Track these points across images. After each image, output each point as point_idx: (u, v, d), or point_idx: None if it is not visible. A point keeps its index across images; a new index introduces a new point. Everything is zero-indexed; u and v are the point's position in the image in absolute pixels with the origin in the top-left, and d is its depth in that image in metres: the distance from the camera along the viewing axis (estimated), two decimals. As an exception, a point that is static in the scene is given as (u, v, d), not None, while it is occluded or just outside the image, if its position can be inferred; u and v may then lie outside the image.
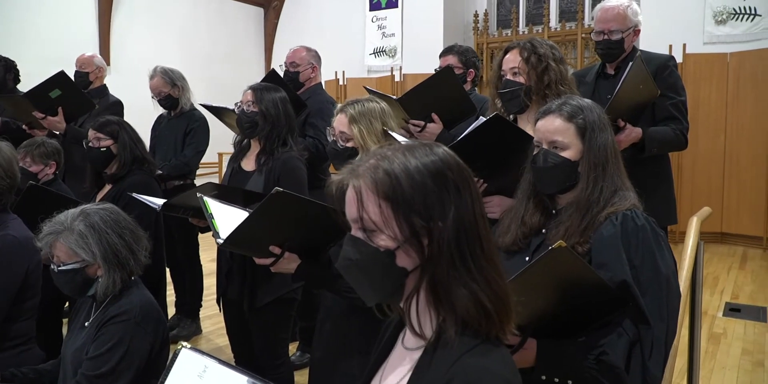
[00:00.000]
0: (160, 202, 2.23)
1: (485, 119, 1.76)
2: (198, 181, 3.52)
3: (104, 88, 3.92)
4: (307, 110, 3.14)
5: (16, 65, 3.87)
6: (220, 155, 8.13)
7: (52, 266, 1.70)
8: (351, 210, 0.88)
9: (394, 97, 2.48)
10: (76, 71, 3.81)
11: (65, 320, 3.07)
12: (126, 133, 2.57)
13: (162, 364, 1.74)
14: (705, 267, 2.54)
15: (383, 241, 0.86)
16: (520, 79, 1.95)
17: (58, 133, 3.46)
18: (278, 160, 2.28)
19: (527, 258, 1.48)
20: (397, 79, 8.54)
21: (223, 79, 8.75)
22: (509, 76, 1.98)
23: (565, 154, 1.46)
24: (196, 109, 3.75)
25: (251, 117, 2.30)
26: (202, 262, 3.92)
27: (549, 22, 7.99)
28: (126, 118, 2.98)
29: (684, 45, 6.48)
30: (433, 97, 2.41)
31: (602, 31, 2.41)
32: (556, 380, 1.29)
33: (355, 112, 1.85)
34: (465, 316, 0.84)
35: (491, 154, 1.73)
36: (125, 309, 1.67)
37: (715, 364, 3.32)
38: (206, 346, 3.64)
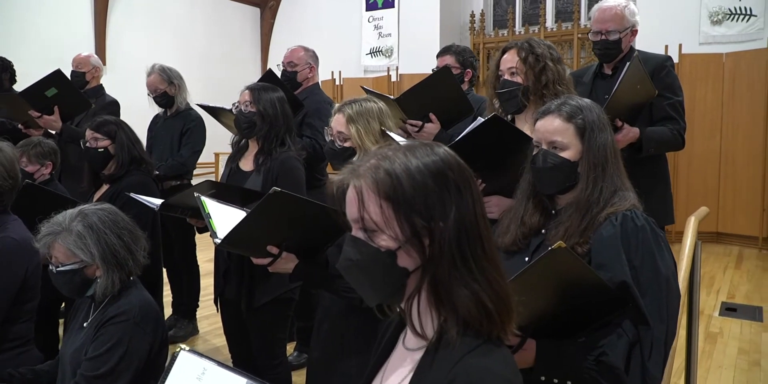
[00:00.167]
0: (158, 202, 2.22)
1: (483, 120, 1.76)
2: (195, 182, 3.52)
3: (101, 87, 3.91)
4: (305, 110, 3.14)
5: (12, 65, 3.86)
6: (217, 155, 8.11)
7: (50, 267, 1.70)
8: (352, 210, 0.88)
9: (392, 97, 2.48)
10: (72, 71, 3.80)
11: (62, 321, 3.06)
12: (124, 133, 2.56)
13: (161, 364, 1.74)
14: (701, 267, 2.54)
15: (384, 241, 0.86)
16: (518, 79, 1.95)
17: (54, 132, 3.44)
18: (276, 160, 2.27)
19: (527, 258, 1.48)
20: (393, 79, 8.54)
21: (219, 78, 8.74)
22: (507, 76, 1.98)
23: (565, 154, 1.46)
24: (192, 109, 3.74)
25: (249, 117, 2.30)
26: (199, 263, 3.91)
27: (545, 22, 8.00)
28: (122, 118, 2.97)
29: (680, 45, 6.49)
30: (431, 97, 2.41)
31: (600, 31, 2.41)
32: (556, 381, 1.29)
33: (353, 111, 1.85)
34: (466, 317, 0.84)
35: (489, 154, 1.73)
36: (124, 309, 1.67)
37: (711, 363, 3.33)
38: (203, 346, 3.63)
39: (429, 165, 0.87)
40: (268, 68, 3.21)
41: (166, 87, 3.63)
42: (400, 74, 8.48)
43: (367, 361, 1.66)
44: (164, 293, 3.04)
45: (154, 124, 3.86)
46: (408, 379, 0.87)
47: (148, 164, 2.65)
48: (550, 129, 1.48)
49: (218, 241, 1.68)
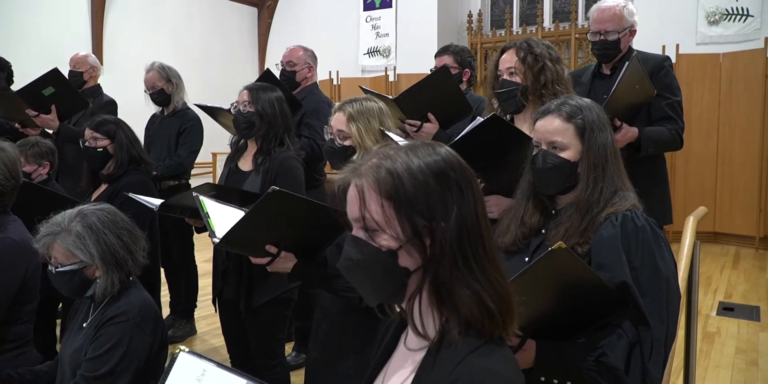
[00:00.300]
0: (157, 202, 2.22)
1: (483, 119, 1.76)
2: (192, 181, 3.51)
3: (98, 87, 3.90)
4: (303, 110, 3.14)
5: (10, 65, 3.84)
6: (214, 155, 8.10)
7: (50, 267, 1.69)
8: (353, 209, 0.87)
9: (390, 96, 2.48)
10: (70, 71, 3.79)
11: (58, 321, 3.05)
12: (123, 133, 2.55)
13: (160, 365, 1.74)
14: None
15: (385, 240, 0.85)
16: (517, 79, 1.96)
17: (51, 131, 3.43)
18: (275, 160, 2.27)
19: (527, 258, 1.48)
20: (391, 79, 8.54)
21: (216, 78, 8.73)
22: (506, 76, 1.99)
23: (565, 154, 1.45)
24: (189, 109, 3.73)
25: (248, 117, 2.30)
26: (197, 263, 3.90)
27: (543, 22, 8.01)
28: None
29: (677, 45, 6.50)
30: (429, 97, 2.41)
31: (598, 31, 2.41)
32: (555, 381, 1.29)
33: (353, 110, 1.85)
34: (468, 317, 0.84)
35: (488, 154, 1.73)
36: (124, 310, 1.66)
37: (709, 362, 3.34)
38: (201, 346, 3.63)
39: (431, 164, 0.86)
40: (266, 68, 3.20)
41: (163, 84, 3.63)
42: (398, 74, 8.48)
43: (365, 360, 1.66)
44: (162, 293, 3.03)
45: (151, 124, 3.85)
46: (410, 380, 0.86)
47: (147, 164, 2.64)
48: (549, 129, 1.48)
49: (217, 240, 1.68)
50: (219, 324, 2.54)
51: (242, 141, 2.40)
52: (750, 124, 6.32)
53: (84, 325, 1.73)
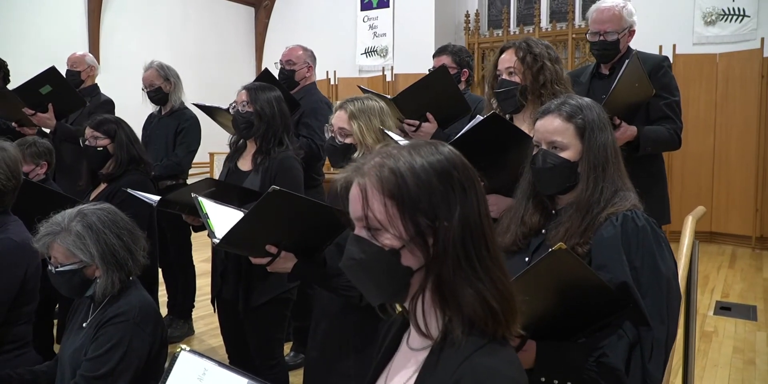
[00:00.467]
0: (156, 197, 2.22)
1: (482, 118, 1.76)
2: (189, 182, 3.50)
3: (95, 87, 3.89)
4: (301, 110, 3.13)
5: (6, 65, 3.82)
6: (212, 155, 8.09)
7: (50, 267, 1.68)
8: (355, 208, 0.87)
9: (389, 96, 2.48)
10: (67, 70, 3.77)
11: (55, 322, 3.04)
12: (123, 133, 2.54)
13: (160, 365, 1.73)
14: (696, 266, 2.56)
15: (388, 240, 0.85)
16: (516, 79, 1.96)
17: (48, 130, 3.41)
18: (275, 160, 2.27)
19: (527, 258, 1.48)
20: (388, 79, 8.54)
21: (213, 78, 8.72)
22: (505, 76, 1.99)
23: (565, 154, 1.45)
24: (187, 108, 3.72)
25: (247, 117, 2.29)
26: (194, 263, 3.89)
27: (540, 22, 8.02)
28: (115, 118, 2.95)
29: (674, 45, 6.52)
30: (428, 97, 2.41)
31: (598, 32, 2.41)
32: (556, 382, 1.28)
33: (355, 108, 1.85)
34: (472, 316, 0.84)
35: (488, 152, 1.73)
36: (124, 310, 1.65)
37: (707, 362, 3.34)
38: (199, 346, 3.62)
39: (434, 164, 0.86)
40: (264, 68, 3.20)
41: (161, 83, 3.62)
42: (395, 74, 8.48)
43: (366, 360, 1.67)
44: (159, 293, 3.03)
45: (149, 123, 3.84)
46: (413, 380, 0.86)
47: (146, 164, 2.64)
48: (550, 129, 1.48)
49: (217, 241, 1.67)
50: (217, 324, 2.53)
51: (241, 141, 2.40)
52: (746, 124, 6.34)
53: (84, 325, 1.72)
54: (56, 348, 2.79)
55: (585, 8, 7.90)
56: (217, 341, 3.42)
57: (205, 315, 3.97)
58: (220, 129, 3.22)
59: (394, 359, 0.97)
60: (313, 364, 1.90)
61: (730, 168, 6.47)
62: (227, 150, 2.50)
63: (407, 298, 0.89)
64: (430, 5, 8.34)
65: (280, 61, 3.35)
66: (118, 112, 3.68)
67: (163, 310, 3.71)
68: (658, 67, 2.42)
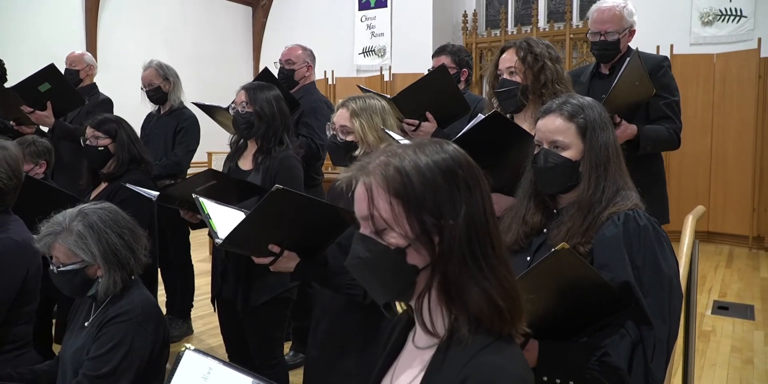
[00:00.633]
0: (155, 193, 2.21)
1: (484, 116, 1.76)
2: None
3: (94, 86, 3.88)
4: (301, 109, 3.13)
5: (3, 63, 3.81)
6: (210, 155, 8.07)
7: (51, 267, 1.68)
8: (361, 207, 0.87)
9: (388, 96, 2.48)
10: (66, 69, 3.76)
11: (53, 321, 3.04)
12: (124, 132, 2.54)
13: (162, 364, 1.73)
14: (695, 265, 2.57)
15: (393, 238, 0.85)
16: (517, 79, 1.96)
17: (46, 128, 3.40)
18: (276, 159, 2.27)
19: (528, 258, 1.48)
20: (386, 78, 8.54)
21: (210, 77, 8.70)
22: (506, 76, 1.99)
23: (566, 153, 1.45)
24: (186, 108, 3.72)
25: (247, 118, 2.29)
26: (192, 262, 3.89)
27: (537, 22, 8.03)
28: (114, 118, 2.94)
29: (671, 46, 6.53)
30: (428, 97, 2.41)
31: (599, 32, 2.41)
32: (558, 381, 1.29)
33: (357, 106, 1.85)
34: (478, 314, 0.84)
35: (489, 151, 1.73)
36: (126, 309, 1.65)
37: (705, 361, 3.35)
38: (198, 346, 3.57)
39: (439, 162, 0.86)
40: (264, 67, 3.19)
41: (160, 82, 3.62)
42: (393, 74, 8.48)
43: (369, 358, 1.67)
44: (158, 293, 3.02)
45: (147, 123, 3.83)
46: (419, 378, 0.86)
47: (147, 164, 2.63)
48: (551, 128, 1.48)
49: (219, 241, 1.67)
50: (215, 324, 2.53)
51: (242, 140, 2.39)
52: (743, 125, 6.36)
53: (86, 324, 1.72)
54: (55, 348, 2.78)
55: (582, 8, 7.92)
56: (216, 341, 3.42)
57: (204, 314, 3.97)
58: (218, 129, 3.21)
59: (400, 358, 0.97)
60: (314, 363, 1.90)
61: (727, 168, 6.49)
62: (225, 149, 2.49)
63: (413, 296, 0.89)
64: (427, 5, 8.34)
65: (280, 60, 3.35)
66: (116, 112, 3.68)
67: (162, 310, 3.71)
68: (658, 67, 2.43)
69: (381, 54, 8.87)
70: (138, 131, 3.70)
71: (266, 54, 9.97)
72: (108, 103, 3.82)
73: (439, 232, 0.85)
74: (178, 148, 3.62)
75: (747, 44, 6.45)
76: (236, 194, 2.20)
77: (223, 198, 2.09)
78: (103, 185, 2.58)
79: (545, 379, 1.29)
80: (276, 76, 3.18)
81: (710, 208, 6.48)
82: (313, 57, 3.38)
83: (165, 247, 3.58)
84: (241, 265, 2.25)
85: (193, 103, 3.22)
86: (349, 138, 1.85)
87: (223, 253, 2.31)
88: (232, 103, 2.39)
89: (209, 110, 3.08)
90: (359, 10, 9.01)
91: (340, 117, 1.87)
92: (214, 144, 5.48)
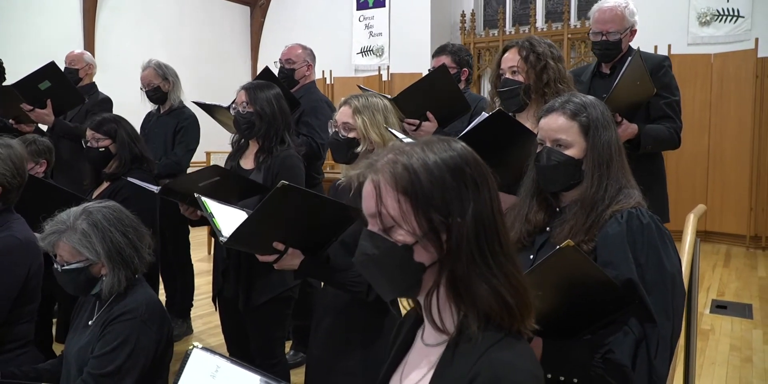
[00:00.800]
0: (155, 188, 2.21)
1: (488, 114, 1.76)
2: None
3: (93, 85, 3.88)
4: (301, 108, 3.13)
5: (1, 63, 3.80)
6: (208, 154, 8.06)
7: (55, 265, 1.67)
8: (369, 204, 0.87)
9: (389, 96, 2.48)
10: (65, 68, 3.75)
11: (54, 320, 3.03)
12: (124, 131, 2.53)
13: (166, 363, 1.73)
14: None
15: (401, 236, 0.86)
16: (519, 78, 1.97)
17: (45, 126, 3.40)
18: (277, 158, 2.27)
19: (531, 256, 1.49)
20: (384, 78, 8.55)
21: (208, 77, 8.69)
22: (508, 75, 1.99)
23: (569, 152, 1.46)
24: (186, 107, 3.71)
25: (248, 118, 2.29)
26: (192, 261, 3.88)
27: (535, 22, 8.05)
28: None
29: (669, 46, 6.55)
30: (428, 96, 2.42)
31: (600, 31, 2.42)
32: (562, 378, 1.29)
33: (359, 103, 1.86)
34: (487, 311, 0.84)
35: (492, 149, 1.73)
36: (131, 307, 1.65)
37: (704, 360, 3.37)
38: (197, 346, 3.61)
39: (447, 160, 0.87)
40: (265, 66, 3.19)
41: (159, 82, 3.61)
42: (391, 74, 8.49)
43: (373, 356, 1.67)
44: (158, 293, 3.02)
45: (147, 122, 3.83)
46: (429, 375, 0.87)
47: (149, 163, 2.63)
48: (554, 127, 1.48)
49: (224, 239, 1.67)
50: (215, 323, 2.53)
51: (243, 140, 2.40)
52: (741, 124, 6.38)
53: (89, 323, 1.71)
54: (56, 346, 2.78)
55: (580, 8, 7.94)
56: (216, 340, 3.42)
57: (203, 314, 3.97)
58: (217, 129, 3.21)
59: (409, 356, 0.97)
60: (316, 362, 1.89)
61: (724, 167, 6.51)
62: (224, 149, 2.49)
63: (420, 293, 0.89)
64: (425, 5, 8.34)
65: (280, 60, 3.35)
66: (116, 111, 3.67)
67: (163, 309, 3.70)
68: (658, 67, 2.44)
69: (379, 54, 8.87)
70: (138, 131, 3.71)
71: (264, 53, 9.96)
72: (107, 102, 3.82)
73: (446, 229, 0.85)
74: (178, 147, 3.61)
75: (744, 44, 6.47)
76: (238, 192, 2.20)
77: (224, 195, 2.09)
78: (105, 184, 2.58)
79: (549, 376, 1.29)
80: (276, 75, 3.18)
81: (708, 207, 6.48)
82: (313, 56, 3.38)
83: (164, 246, 3.58)
84: (243, 264, 2.25)
85: (193, 102, 3.22)
86: (351, 135, 1.85)
87: (224, 252, 2.31)
88: (233, 103, 2.39)
89: (209, 109, 3.08)
90: (357, 9, 9.01)
91: (343, 114, 1.88)
92: (213, 144, 5.48)
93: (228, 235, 1.63)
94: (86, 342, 1.66)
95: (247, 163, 2.36)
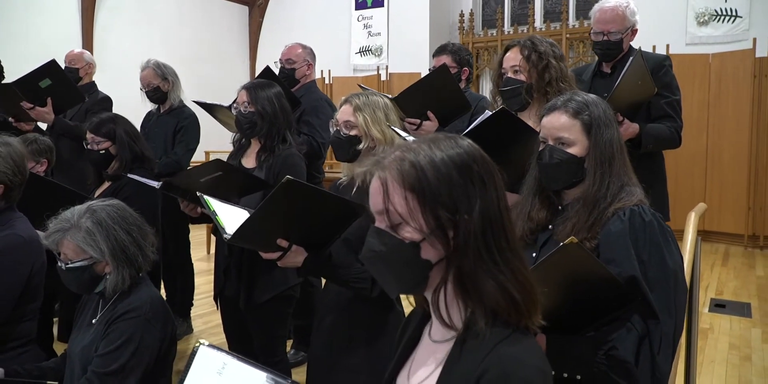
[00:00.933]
0: (156, 183, 2.22)
1: (491, 113, 1.77)
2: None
3: (93, 84, 3.88)
4: (302, 108, 3.13)
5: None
6: (207, 154, 8.05)
7: (59, 264, 1.67)
8: (376, 201, 0.88)
9: (389, 96, 2.49)
10: (65, 67, 3.75)
11: (55, 319, 3.03)
12: (123, 131, 2.52)
13: (170, 362, 1.73)
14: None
15: (408, 233, 0.86)
16: (521, 77, 1.97)
17: (45, 124, 3.39)
18: (279, 157, 2.27)
19: (534, 254, 1.49)
20: (383, 78, 8.55)
21: (207, 77, 8.68)
22: (510, 74, 2.00)
23: (571, 150, 1.46)
24: (186, 106, 3.71)
25: (249, 118, 2.30)
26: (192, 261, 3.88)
27: (534, 22, 8.05)
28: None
29: (667, 45, 6.56)
30: (429, 96, 2.43)
31: (601, 31, 2.43)
32: (565, 375, 1.30)
33: (360, 101, 1.87)
34: (494, 307, 0.85)
35: (495, 148, 1.73)
36: (135, 306, 1.65)
37: (704, 358, 3.38)
38: (198, 345, 3.61)
39: (453, 157, 0.87)
40: (266, 66, 3.19)
41: (159, 82, 3.61)
42: (390, 73, 8.49)
43: (377, 353, 1.67)
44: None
45: (147, 121, 3.82)
46: (438, 372, 0.87)
47: (150, 162, 2.63)
48: (556, 125, 1.49)
49: (227, 236, 1.67)
50: (216, 322, 2.54)
51: (244, 139, 2.40)
52: (739, 124, 6.40)
53: (93, 321, 1.71)
54: (56, 345, 2.78)
55: (579, 8, 7.95)
56: (216, 339, 3.42)
57: (203, 313, 3.97)
58: (217, 128, 3.21)
59: (416, 352, 0.97)
60: (318, 360, 1.89)
61: (722, 167, 6.52)
62: (224, 149, 2.49)
63: (427, 290, 0.90)
64: (424, 5, 8.35)
65: (280, 59, 3.35)
66: (115, 111, 3.67)
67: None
68: (659, 66, 2.45)
69: (378, 53, 8.87)
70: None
71: (263, 53, 9.96)
72: (107, 101, 3.82)
73: (453, 226, 0.86)
74: (178, 146, 3.61)
75: (742, 44, 6.49)
76: (240, 187, 2.20)
77: (226, 190, 2.09)
78: (107, 184, 2.58)
79: (552, 372, 1.30)
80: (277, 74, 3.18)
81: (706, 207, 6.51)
82: (313, 55, 3.38)
83: (164, 246, 3.58)
84: (244, 263, 2.25)
85: (194, 101, 3.22)
86: (353, 132, 1.86)
87: (225, 250, 2.31)
88: (234, 102, 2.39)
89: (210, 108, 3.08)
90: (356, 9, 9.01)
91: (344, 112, 1.88)
92: (212, 143, 5.48)
93: (232, 233, 1.63)
94: (90, 340, 1.66)
95: (249, 162, 2.36)
